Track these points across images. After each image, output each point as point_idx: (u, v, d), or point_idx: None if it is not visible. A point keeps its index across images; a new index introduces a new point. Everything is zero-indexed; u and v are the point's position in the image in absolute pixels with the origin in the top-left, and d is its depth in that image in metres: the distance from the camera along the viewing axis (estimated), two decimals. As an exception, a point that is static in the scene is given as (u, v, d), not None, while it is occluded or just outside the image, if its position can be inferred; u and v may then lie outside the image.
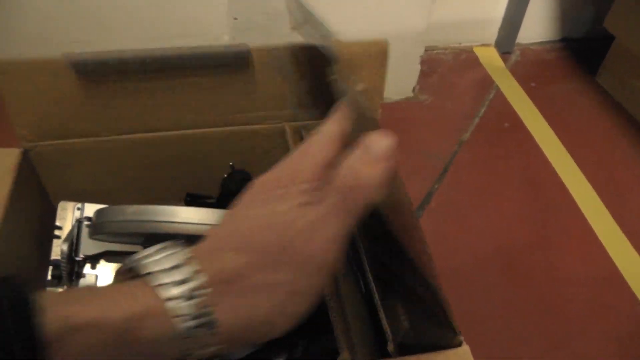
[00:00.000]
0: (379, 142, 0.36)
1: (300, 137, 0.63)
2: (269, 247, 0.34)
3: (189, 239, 0.55)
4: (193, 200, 0.70)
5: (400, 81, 1.37)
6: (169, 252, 0.34)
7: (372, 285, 0.52)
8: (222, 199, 0.69)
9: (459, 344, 0.48)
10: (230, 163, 0.65)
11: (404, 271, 0.58)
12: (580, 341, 0.92)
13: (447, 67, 1.55)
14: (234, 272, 0.34)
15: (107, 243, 0.62)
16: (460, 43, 1.63)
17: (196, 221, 0.53)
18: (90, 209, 0.64)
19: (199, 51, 0.56)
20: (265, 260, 0.34)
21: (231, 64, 0.57)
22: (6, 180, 0.59)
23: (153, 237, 0.57)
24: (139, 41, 1.08)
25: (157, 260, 0.34)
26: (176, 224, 0.53)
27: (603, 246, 1.06)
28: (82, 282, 0.64)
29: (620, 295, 0.99)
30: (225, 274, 0.33)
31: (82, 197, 0.65)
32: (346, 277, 0.53)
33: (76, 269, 0.63)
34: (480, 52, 1.62)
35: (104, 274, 0.65)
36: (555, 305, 0.97)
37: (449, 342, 0.48)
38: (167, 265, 0.33)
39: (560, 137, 1.32)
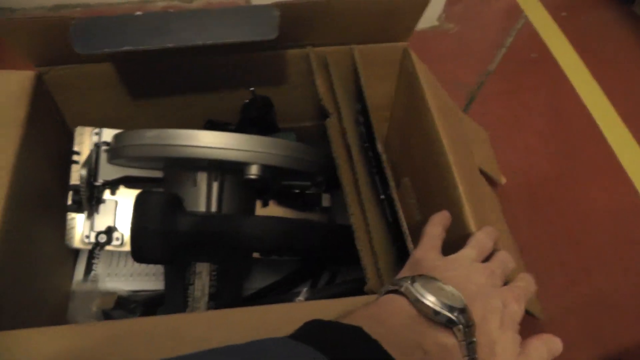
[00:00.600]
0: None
1: (324, 63, 0.60)
2: None
3: (210, 164, 0.55)
4: (213, 126, 0.68)
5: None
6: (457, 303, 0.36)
7: (400, 214, 0.51)
8: (242, 125, 0.67)
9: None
10: (252, 89, 0.63)
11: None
12: (600, 276, 0.91)
13: (474, -4, 1.48)
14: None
15: (126, 168, 0.61)
16: (488, -31, 1.56)
17: (219, 146, 0.51)
18: (108, 134, 0.63)
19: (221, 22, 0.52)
20: None
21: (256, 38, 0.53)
22: (22, 103, 0.56)
23: (174, 162, 0.56)
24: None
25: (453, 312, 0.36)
26: (198, 149, 0.51)
27: (630, 179, 1.03)
28: (102, 207, 0.63)
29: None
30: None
31: (100, 123, 0.63)
32: (373, 207, 0.52)
33: (96, 194, 0.62)
34: (510, -21, 1.54)
35: (124, 200, 0.64)
36: (577, 239, 0.95)
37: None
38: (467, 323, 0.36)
39: (590, 69, 1.26)
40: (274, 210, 0.65)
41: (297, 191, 0.64)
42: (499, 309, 0.39)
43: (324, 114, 0.55)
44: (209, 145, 0.51)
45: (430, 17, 1.35)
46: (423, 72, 0.59)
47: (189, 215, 0.52)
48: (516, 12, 1.43)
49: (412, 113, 0.62)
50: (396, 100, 0.68)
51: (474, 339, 0.35)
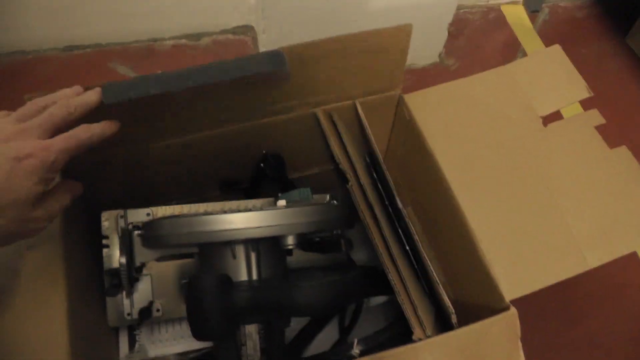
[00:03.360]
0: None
1: (331, 120, 0.64)
2: None
3: (247, 243, 0.59)
4: (227, 186, 0.71)
5: (427, 47, 1.33)
6: None
7: (427, 262, 0.57)
8: (256, 182, 0.71)
9: (507, 308, 0.53)
10: (264, 152, 0.67)
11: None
12: (594, 319, 0.97)
13: (474, 28, 1.49)
14: None
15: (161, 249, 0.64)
16: (488, 1, 1.57)
17: (256, 225, 0.56)
18: (133, 215, 0.65)
19: (236, 65, 0.55)
20: None
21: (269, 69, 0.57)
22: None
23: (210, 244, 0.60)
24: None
25: None
26: (238, 231, 0.55)
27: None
28: (139, 285, 0.66)
29: (635, 274, 1.03)
30: None
31: (122, 202, 0.66)
32: (401, 258, 0.57)
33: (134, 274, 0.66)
34: (508, 11, 1.55)
35: (156, 272, 0.67)
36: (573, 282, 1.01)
37: (497, 307, 0.54)
38: None
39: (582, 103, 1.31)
40: (300, 257, 0.70)
41: (317, 239, 0.69)
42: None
43: (338, 169, 0.59)
44: (247, 226, 0.55)
45: (431, 55, 1.36)
46: (421, 112, 0.64)
47: (241, 291, 0.56)
48: (514, 45, 1.48)
49: (412, 151, 0.67)
50: (392, 138, 0.73)
51: None
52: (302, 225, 0.57)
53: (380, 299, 0.75)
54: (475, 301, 0.58)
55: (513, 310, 0.53)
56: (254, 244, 0.60)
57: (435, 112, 0.65)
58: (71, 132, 0.46)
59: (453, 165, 0.61)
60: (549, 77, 0.67)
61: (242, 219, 0.56)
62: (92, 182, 0.65)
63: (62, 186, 0.50)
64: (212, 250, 0.61)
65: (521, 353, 0.51)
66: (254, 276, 0.60)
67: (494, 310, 0.53)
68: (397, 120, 0.70)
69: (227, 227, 0.56)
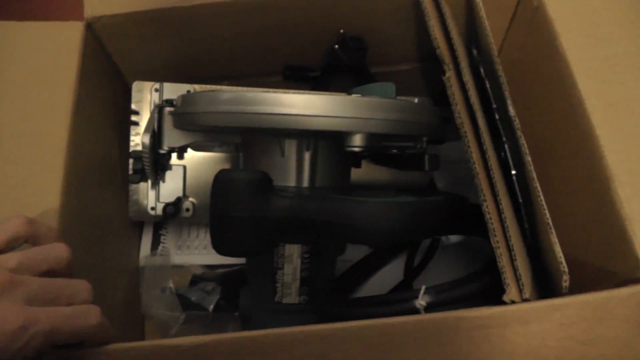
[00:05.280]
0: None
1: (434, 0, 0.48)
2: None
3: (301, 132, 0.45)
4: (293, 73, 0.57)
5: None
6: None
7: (539, 194, 0.41)
8: (328, 71, 0.56)
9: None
10: (341, 31, 0.52)
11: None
12: None
13: None
14: None
15: (196, 133, 0.52)
16: None
17: (315, 113, 0.41)
18: (170, 90, 0.54)
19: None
20: None
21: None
22: (72, 58, 0.48)
23: (255, 130, 0.46)
24: None
25: None
26: (289, 117, 0.41)
27: None
28: (168, 175, 0.56)
29: None
30: None
31: (160, 75, 0.54)
32: (502, 185, 0.42)
33: (160, 161, 0.54)
34: None
35: (192, 164, 0.56)
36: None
37: (627, 276, 0.37)
38: None
39: None
40: (369, 171, 0.56)
41: (394, 151, 0.54)
42: None
43: (426, 57, 0.44)
44: (302, 112, 0.41)
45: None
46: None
47: (282, 198, 0.43)
48: None
49: (535, 54, 0.50)
50: (509, 35, 0.56)
51: None
52: (376, 123, 0.42)
53: (461, 237, 0.60)
54: (594, 262, 0.42)
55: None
56: (311, 139, 0.46)
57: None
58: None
59: (592, 80, 0.43)
60: None
61: (296, 102, 0.41)
62: (127, 46, 0.54)
63: None
64: (256, 143, 0.48)
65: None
66: (305, 182, 0.46)
67: (620, 280, 0.37)
68: (520, 9, 0.52)
69: (275, 110, 0.42)
